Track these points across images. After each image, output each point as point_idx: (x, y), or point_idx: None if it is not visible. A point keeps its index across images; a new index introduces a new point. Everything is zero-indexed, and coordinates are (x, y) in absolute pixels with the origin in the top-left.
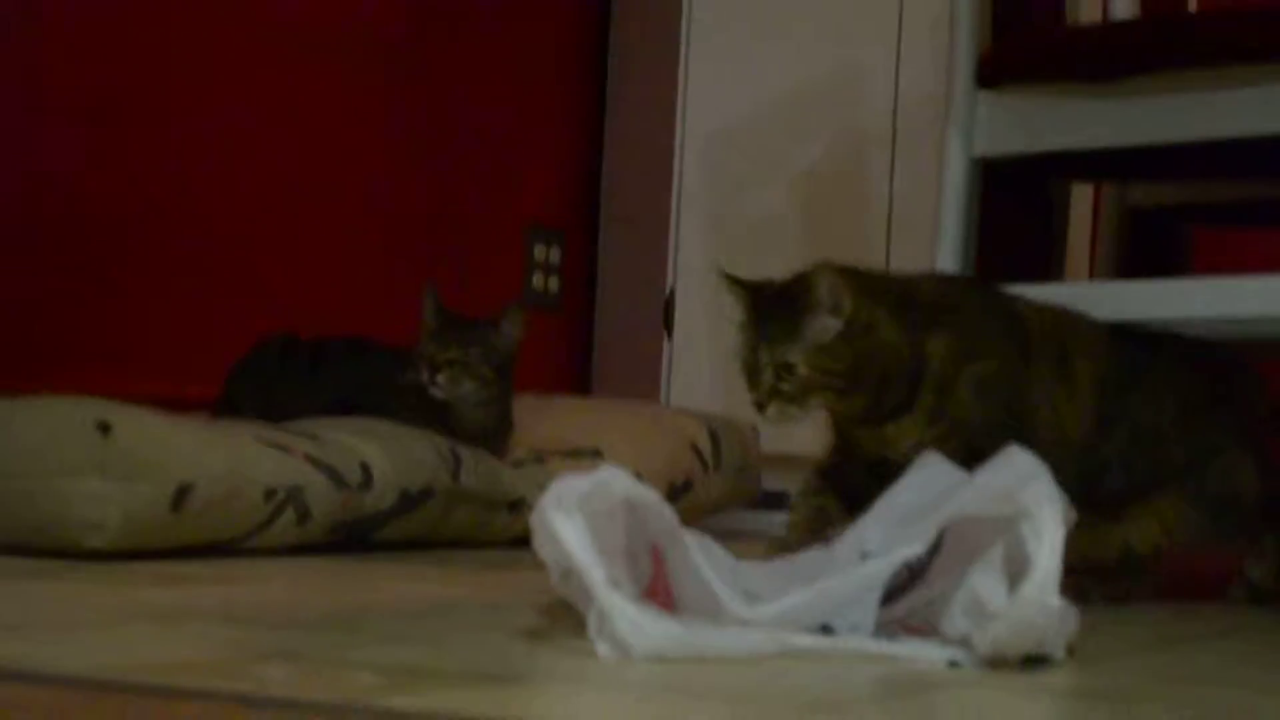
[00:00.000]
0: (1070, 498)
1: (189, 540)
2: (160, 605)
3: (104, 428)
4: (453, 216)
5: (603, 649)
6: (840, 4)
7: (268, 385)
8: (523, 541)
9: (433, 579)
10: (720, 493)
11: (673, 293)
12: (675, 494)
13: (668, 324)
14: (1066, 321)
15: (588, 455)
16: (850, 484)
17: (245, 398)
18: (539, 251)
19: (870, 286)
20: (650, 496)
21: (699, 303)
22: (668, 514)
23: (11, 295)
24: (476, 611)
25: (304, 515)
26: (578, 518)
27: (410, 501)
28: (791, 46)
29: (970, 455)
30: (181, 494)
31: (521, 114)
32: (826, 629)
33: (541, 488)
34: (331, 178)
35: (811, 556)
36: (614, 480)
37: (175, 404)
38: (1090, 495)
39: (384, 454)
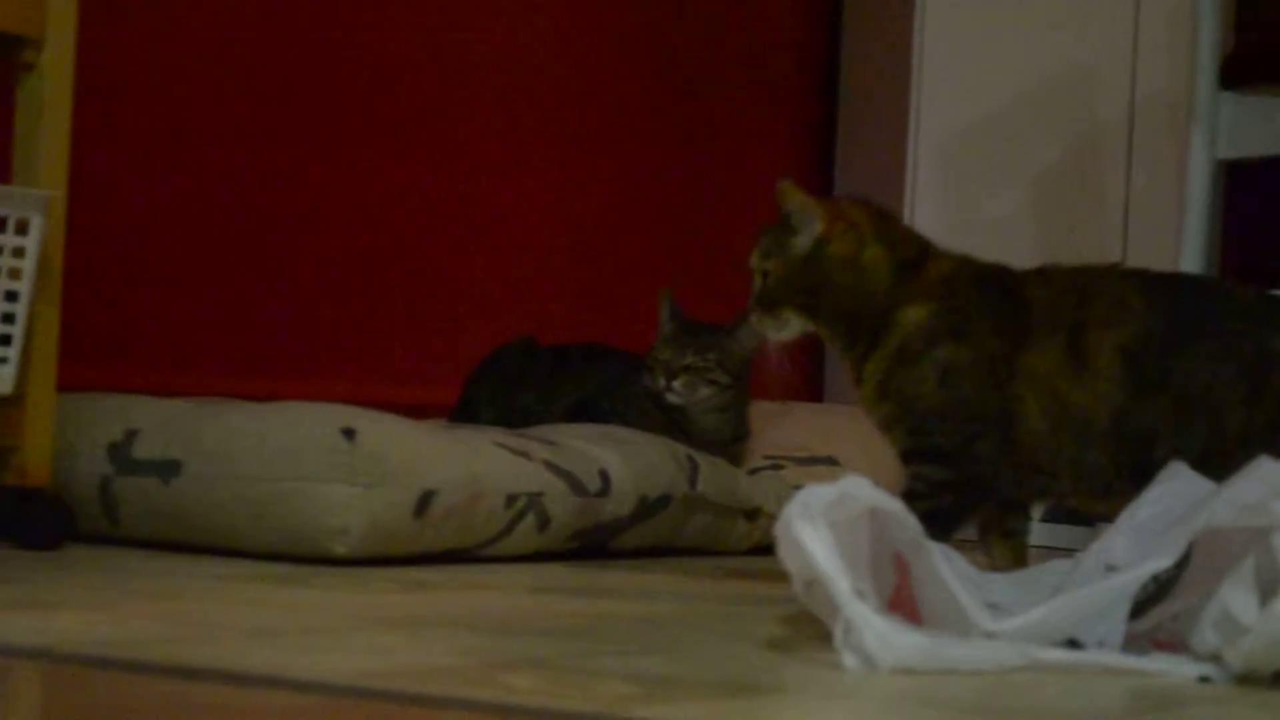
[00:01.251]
0: (1114, 472)
1: (431, 547)
2: (406, 612)
3: (349, 434)
4: (690, 223)
5: (849, 660)
6: (1075, 2)
7: (507, 390)
8: (760, 549)
9: (672, 587)
10: None
11: None
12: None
13: None
14: (1088, 291)
15: (824, 463)
16: None
17: (484, 403)
18: None
19: (884, 229)
20: (894, 505)
21: None
22: (912, 523)
23: (264, 304)
24: (719, 621)
25: (544, 522)
26: (823, 527)
27: (648, 508)
28: (1025, 46)
29: (916, 441)
30: (425, 500)
31: (755, 119)
32: (1073, 643)
33: (779, 495)
34: (571, 188)
35: (1056, 568)
36: (858, 489)
37: (415, 410)
38: (1143, 468)
39: (622, 460)
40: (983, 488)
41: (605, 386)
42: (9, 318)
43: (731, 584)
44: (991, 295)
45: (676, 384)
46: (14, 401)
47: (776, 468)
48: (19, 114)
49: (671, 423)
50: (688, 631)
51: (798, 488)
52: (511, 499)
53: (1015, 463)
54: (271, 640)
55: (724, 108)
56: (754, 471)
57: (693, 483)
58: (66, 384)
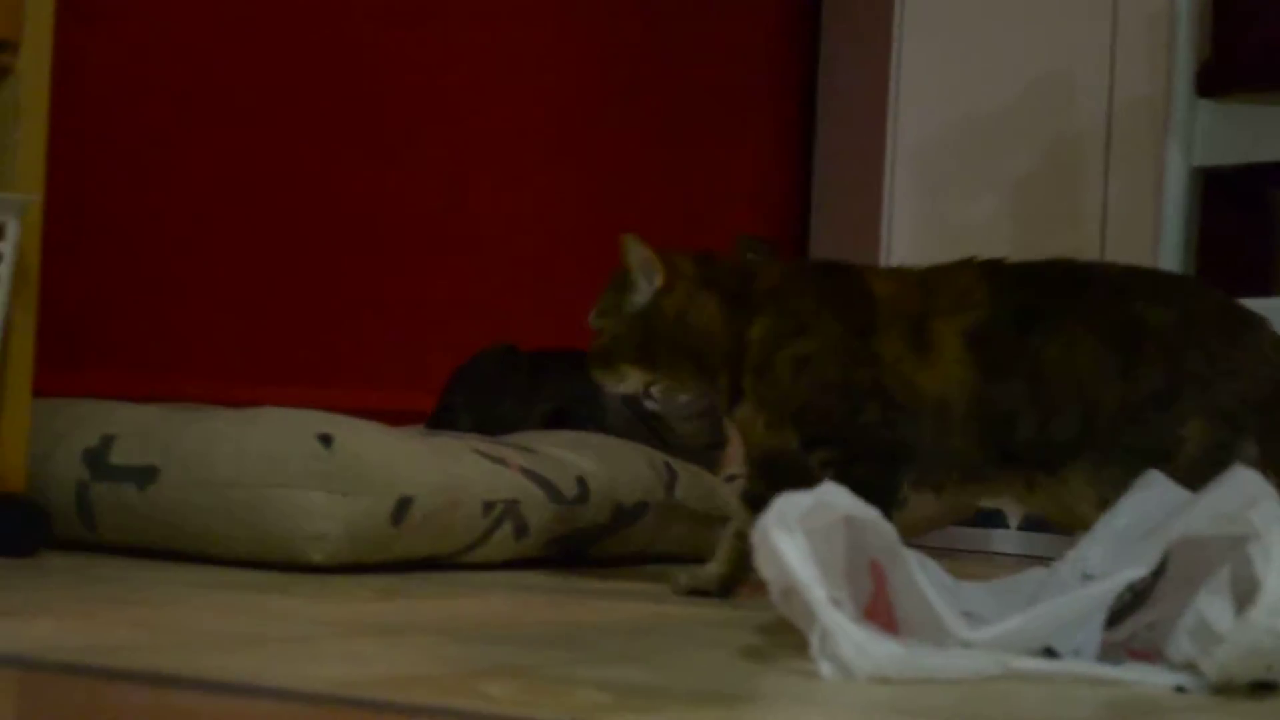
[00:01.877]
0: (981, 457)
1: (408, 554)
2: (383, 619)
3: (326, 440)
4: (665, 228)
5: (826, 669)
6: (1052, 9)
7: (485, 397)
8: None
9: (650, 595)
10: (935, 510)
11: None
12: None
13: None
14: (934, 283)
15: None
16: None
17: (462, 409)
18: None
19: (709, 272)
20: (871, 514)
21: None
22: (888, 531)
23: (242, 310)
24: (696, 629)
25: (521, 529)
26: (799, 535)
27: (626, 516)
28: (1003, 52)
29: (803, 434)
30: (402, 507)
31: (731, 125)
32: (1049, 651)
33: None
34: (550, 194)
35: (1032, 577)
36: (835, 497)
37: (393, 416)
38: (1008, 451)
39: (600, 467)
40: (889, 450)
41: (583, 393)
42: None
43: None
44: (829, 290)
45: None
46: None
47: None
48: None
49: (649, 429)
50: (664, 640)
51: None
52: (489, 506)
53: (906, 433)
54: (249, 648)
55: (701, 113)
56: (731, 479)
57: (670, 490)
58: (42, 390)
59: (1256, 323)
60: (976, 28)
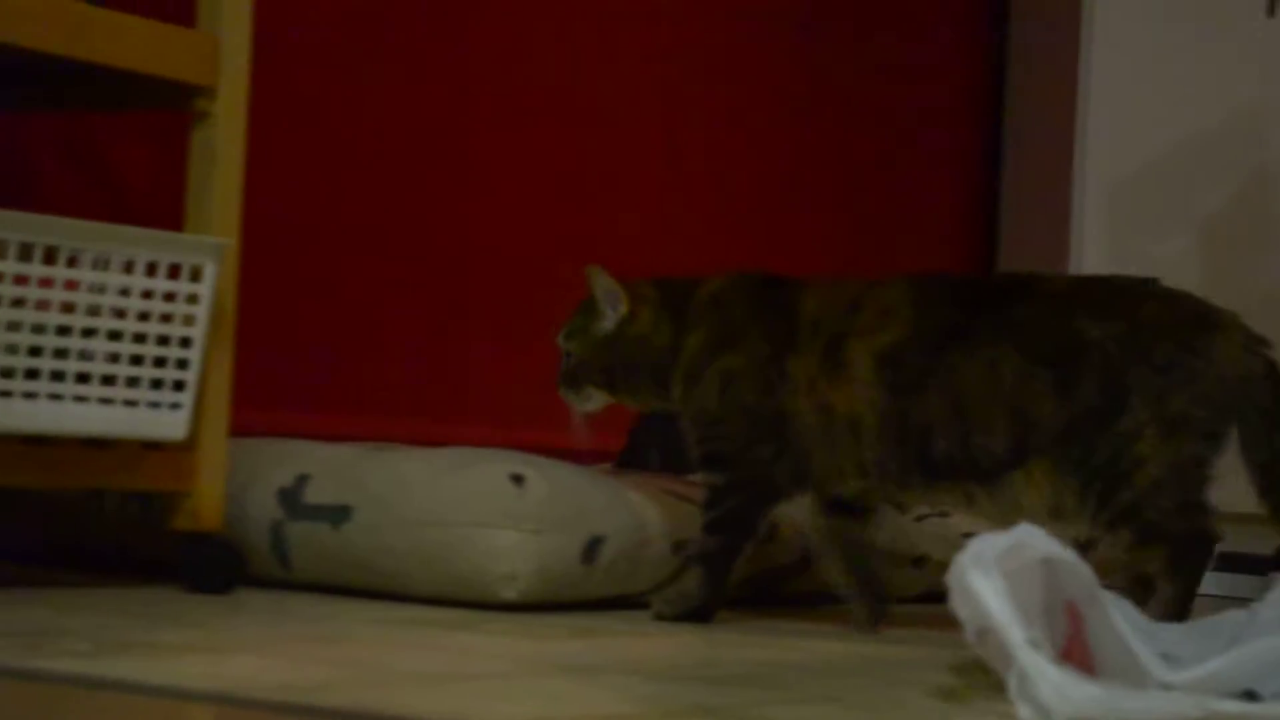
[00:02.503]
0: (901, 469)
1: (598, 593)
2: (576, 658)
3: (518, 479)
4: (850, 267)
5: (1024, 712)
6: (1243, 41)
7: (674, 436)
8: (928, 597)
9: (841, 634)
10: None
11: None
12: (1084, 550)
13: None
14: (860, 301)
15: None
16: None
17: (651, 448)
18: None
19: (663, 294)
20: (1068, 555)
21: None
22: (1085, 573)
23: (432, 349)
24: (889, 668)
25: None
26: (996, 576)
27: (814, 556)
28: (1193, 87)
29: (704, 448)
30: (593, 546)
31: (918, 163)
32: (1251, 695)
33: (946, 543)
34: (735, 228)
35: (1232, 619)
36: (1032, 538)
37: (581, 456)
38: (932, 464)
39: (789, 506)
40: (766, 489)
41: None
42: (183, 364)
43: (900, 631)
44: (761, 304)
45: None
46: (187, 446)
47: (943, 515)
48: (192, 162)
49: None
50: (857, 679)
51: (965, 535)
52: (679, 545)
53: (797, 462)
54: (443, 686)
55: (886, 151)
56: (920, 519)
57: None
58: (237, 429)
59: (1221, 324)
60: (1166, 61)
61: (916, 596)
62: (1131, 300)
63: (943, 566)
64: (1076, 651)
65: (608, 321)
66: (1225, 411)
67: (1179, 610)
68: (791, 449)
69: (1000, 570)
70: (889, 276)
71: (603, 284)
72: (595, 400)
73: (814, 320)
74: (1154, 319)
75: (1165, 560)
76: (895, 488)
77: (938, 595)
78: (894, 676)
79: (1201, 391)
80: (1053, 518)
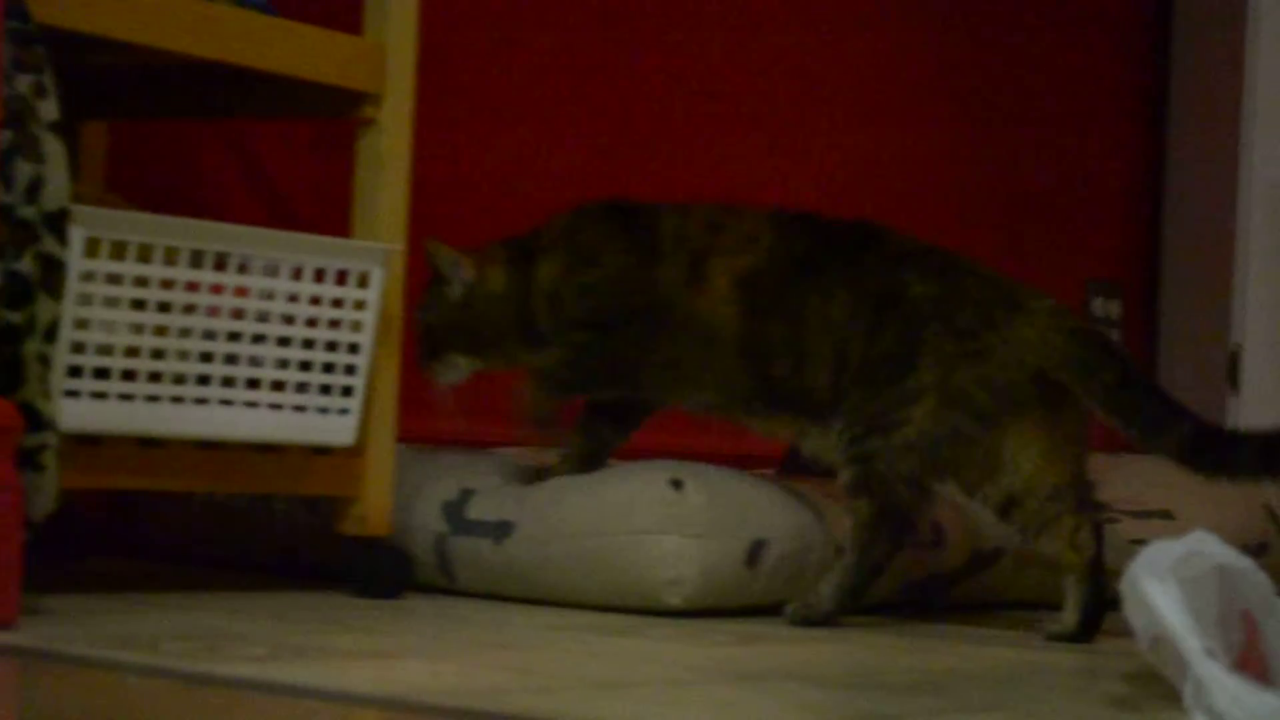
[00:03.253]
0: (749, 390)
1: (762, 598)
2: (745, 664)
3: (677, 484)
4: (1013, 270)
5: None
6: None
7: None
8: None
9: (1009, 640)
10: None
11: (1239, 347)
12: (1249, 557)
13: (1233, 379)
14: (723, 224)
15: (1158, 516)
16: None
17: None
18: (1099, 305)
19: (510, 250)
20: (1244, 563)
21: (1268, 357)
22: (1262, 581)
23: None
24: (1060, 676)
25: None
26: (1171, 584)
27: (981, 561)
28: None
29: (598, 362)
30: (756, 550)
31: (1082, 166)
32: None
33: (1114, 549)
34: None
35: None
36: (1206, 546)
37: (746, 461)
38: (772, 388)
39: (956, 512)
40: (624, 376)
41: None
42: (351, 369)
43: None
44: (617, 225)
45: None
46: (355, 452)
47: (1110, 521)
48: (359, 168)
49: None
50: (1030, 687)
51: (1132, 541)
52: (841, 549)
53: (662, 369)
54: (617, 691)
55: (1050, 154)
56: None
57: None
58: (402, 435)
59: (1028, 306)
60: None
61: None
62: (958, 271)
63: (1111, 573)
64: (1252, 661)
65: (456, 287)
66: (1005, 399)
67: (855, 584)
68: (657, 352)
69: (1175, 578)
70: (745, 206)
71: (442, 255)
72: (460, 369)
73: (676, 236)
74: (969, 289)
75: (863, 520)
76: (741, 411)
77: (1106, 602)
78: (1065, 684)
79: (987, 374)
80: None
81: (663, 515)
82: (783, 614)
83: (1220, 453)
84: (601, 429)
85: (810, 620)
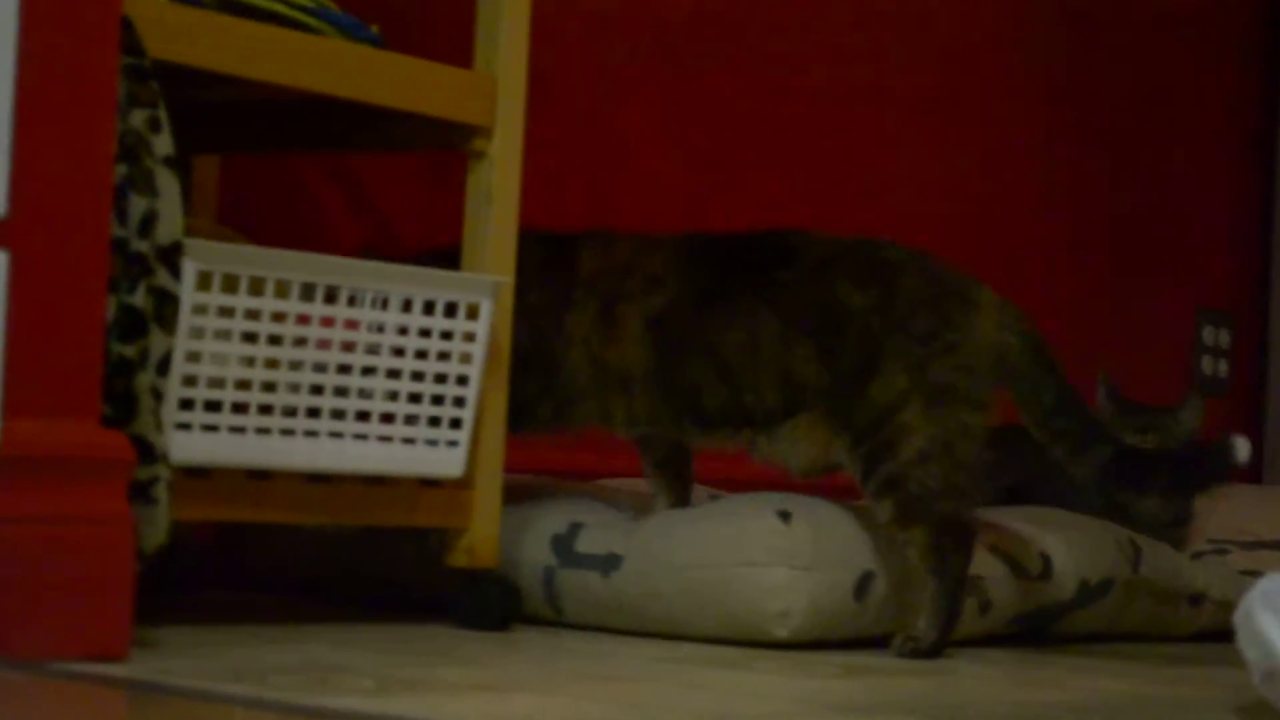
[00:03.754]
0: (673, 420)
1: (870, 630)
2: (853, 698)
3: (784, 516)
4: (1125, 300)
5: None
6: None
7: None
8: (1204, 636)
9: (1117, 673)
10: None
11: None
12: None
13: None
14: (631, 267)
15: (1270, 548)
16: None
17: None
18: (1208, 334)
19: None
20: None
21: None
22: None
23: None
24: (1170, 710)
25: (985, 605)
26: None
27: (1090, 593)
28: None
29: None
30: (864, 582)
31: (1192, 195)
32: None
33: (1223, 581)
34: (1004, 266)
35: None
36: None
37: (847, 493)
38: (704, 417)
39: (1064, 544)
40: (527, 420)
41: (1044, 469)
42: (460, 401)
43: (1178, 670)
44: (541, 261)
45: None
46: (463, 484)
47: (1221, 552)
48: (469, 201)
49: (1111, 506)
50: None
51: (1243, 573)
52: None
53: (560, 405)
54: None
55: (1160, 184)
56: (1197, 556)
57: (1135, 566)
58: (512, 466)
59: (980, 301)
60: None
61: (1193, 635)
62: (890, 270)
63: (1221, 604)
64: None
65: None
66: (986, 379)
67: (949, 606)
68: (558, 391)
69: None
70: (660, 236)
71: None
72: None
73: (591, 279)
74: (911, 290)
75: (925, 545)
76: (671, 433)
77: (1217, 634)
78: (1176, 718)
79: (961, 361)
80: (827, 468)
81: (771, 547)
82: (890, 647)
83: (1134, 475)
84: (664, 472)
85: (919, 653)
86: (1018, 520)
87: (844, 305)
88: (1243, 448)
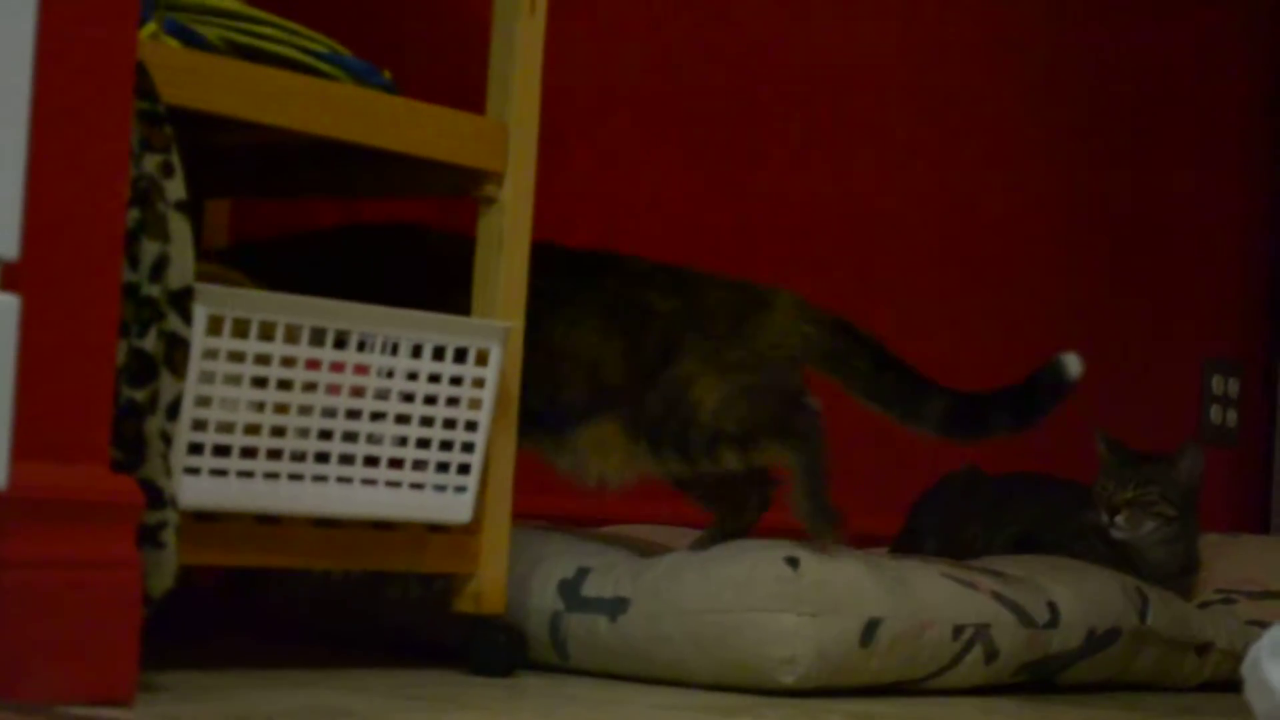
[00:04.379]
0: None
1: (877, 678)
2: None
3: (793, 562)
4: (1132, 349)
5: None
6: None
7: (950, 520)
8: (1212, 686)
9: None
10: None
11: None
12: None
13: None
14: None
15: (1275, 597)
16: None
17: (928, 533)
18: (1217, 384)
19: None
20: None
21: None
22: None
23: None
24: None
25: (991, 654)
26: None
27: (1097, 642)
28: None
29: None
30: (871, 629)
31: (1199, 245)
32: None
33: (1231, 630)
34: (1013, 312)
35: None
36: None
37: (857, 539)
38: (560, 413)
39: (1071, 592)
40: None
41: (1050, 517)
42: (468, 447)
43: None
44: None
45: (1119, 519)
46: (471, 530)
47: (1228, 601)
48: (479, 246)
49: (1118, 555)
50: None
51: (1251, 623)
52: (959, 630)
53: None
54: None
55: (1166, 233)
56: (1205, 605)
57: (1143, 616)
58: (520, 512)
59: (776, 303)
60: None
61: (1200, 685)
62: (699, 285)
63: (1228, 654)
64: None
65: None
66: (784, 366)
67: (817, 477)
68: None
69: None
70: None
71: None
72: None
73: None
74: (715, 299)
75: (771, 438)
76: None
77: (1224, 684)
78: None
79: (754, 348)
80: (627, 478)
81: (778, 593)
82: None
83: (975, 418)
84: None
85: (828, 548)
86: (1025, 568)
87: (651, 309)
88: (1073, 364)
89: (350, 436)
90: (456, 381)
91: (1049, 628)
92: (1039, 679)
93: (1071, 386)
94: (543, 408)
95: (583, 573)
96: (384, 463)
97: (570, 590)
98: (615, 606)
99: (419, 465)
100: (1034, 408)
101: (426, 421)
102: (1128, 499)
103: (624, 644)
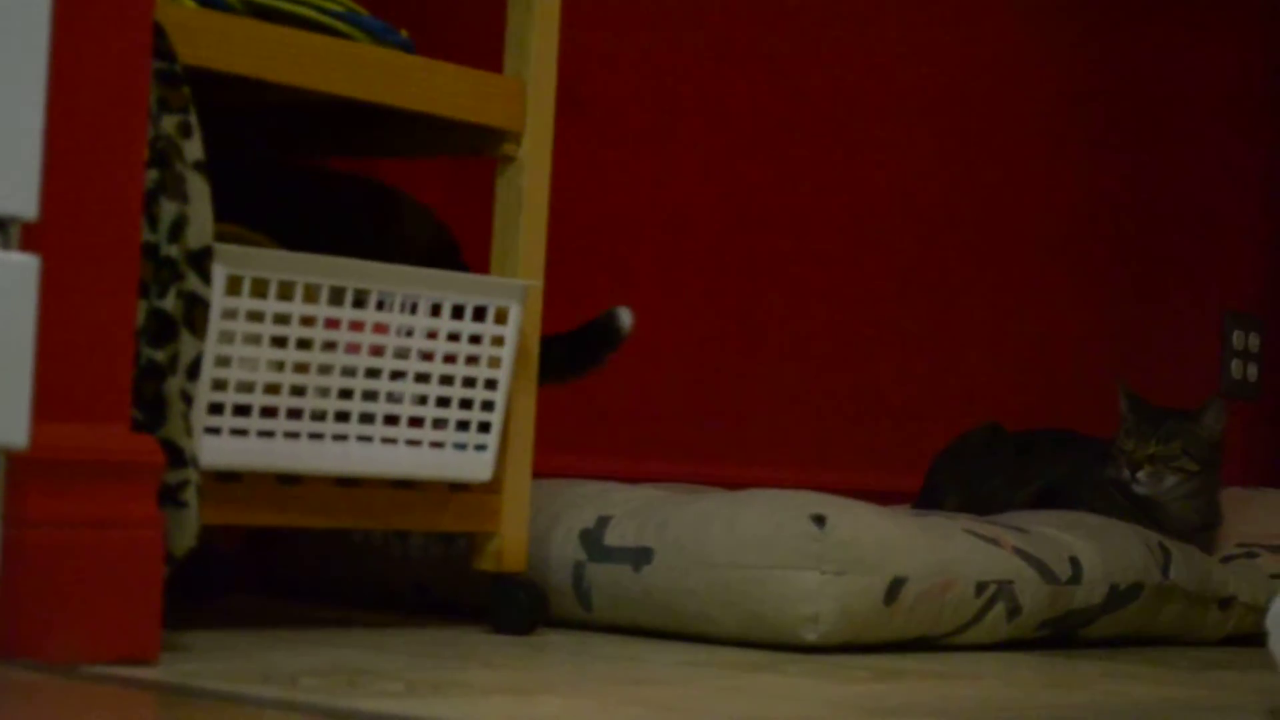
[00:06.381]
0: None
1: (900, 635)
2: (883, 701)
3: (819, 520)
4: (1151, 303)
5: None
6: None
7: (972, 477)
8: (1234, 639)
9: (1147, 678)
10: None
11: None
12: None
13: None
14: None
15: None
16: None
17: (949, 489)
18: (1238, 338)
19: None
20: None
21: None
22: None
23: (730, 391)
24: (1201, 714)
25: (1014, 610)
26: None
27: (1119, 597)
28: None
29: None
30: (895, 587)
31: (1220, 198)
32: None
33: (1253, 584)
34: (1031, 269)
35: None
36: None
37: (878, 496)
38: None
39: (1093, 548)
40: None
41: (1071, 474)
42: (488, 405)
43: (1209, 675)
44: None
45: (1141, 474)
46: (492, 488)
47: (1250, 555)
48: (498, 205)
49: (1139, 511)
50: None
51: (1273, 576)
52: (982, 587)
53: None
54: None
55: (1188, 186)
56: (1227, 559)
57: (1165, 571)
58: (538, 471)
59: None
60: None
61: (1223, 639)
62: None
63: (1251, 608)
64: None
65: None
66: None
67: None
68: None
69: None
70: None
71: None
72: None
73: None
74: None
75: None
76: None
77: (1247, 638)
78: None
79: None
80: None
81: (804, 551)
82: None
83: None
84: None
85: None
86: (1047, 524)
87: (394, 196)
88: (625, 316)
89: (370, 395)
90: (476, 340)
91: (1071, 583)
92: (1061, 634)
93: (623, 337)
94: None
95: (604, 521)
96: (404, 422)
97: (592, 540)
98: (639, 556)
99: (439, 424)
100: (585, 359)
101: (446, 380)
102: (1150, 454)
103: (648, 596)
